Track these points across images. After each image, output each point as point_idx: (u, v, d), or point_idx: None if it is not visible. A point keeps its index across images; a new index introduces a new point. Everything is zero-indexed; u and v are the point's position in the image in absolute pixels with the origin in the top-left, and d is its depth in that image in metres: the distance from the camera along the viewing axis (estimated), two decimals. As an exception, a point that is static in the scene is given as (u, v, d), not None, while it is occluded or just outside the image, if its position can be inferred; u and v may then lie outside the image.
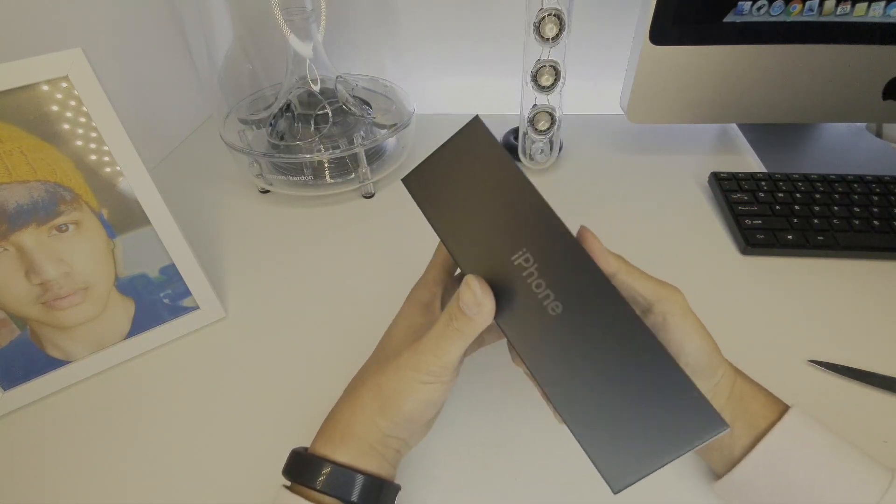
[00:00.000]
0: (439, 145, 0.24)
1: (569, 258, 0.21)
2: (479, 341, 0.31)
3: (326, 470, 0.25)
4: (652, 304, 0.25)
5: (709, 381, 0.27)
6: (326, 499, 0.24)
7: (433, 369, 0.24)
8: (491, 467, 0.32)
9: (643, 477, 0.19)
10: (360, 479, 0.25)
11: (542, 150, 0.56)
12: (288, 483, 0.26)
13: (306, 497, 0.24)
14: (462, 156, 0.24)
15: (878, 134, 0.61)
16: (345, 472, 0.25)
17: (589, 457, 0.20)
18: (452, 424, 0.34)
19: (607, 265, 0.24)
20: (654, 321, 0.25)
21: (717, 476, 0.28)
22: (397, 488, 0.27)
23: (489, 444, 0.33)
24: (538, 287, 0.21)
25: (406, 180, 0.25)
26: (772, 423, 0.26)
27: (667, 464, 0.19)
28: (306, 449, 0.27)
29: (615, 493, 0.20)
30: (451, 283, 0.30)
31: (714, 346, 0.26)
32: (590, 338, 0.21)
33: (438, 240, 0.26)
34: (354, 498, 0.24)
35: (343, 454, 0.25)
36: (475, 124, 0.24)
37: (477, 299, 0.22)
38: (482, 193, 0.23)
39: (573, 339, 0.21)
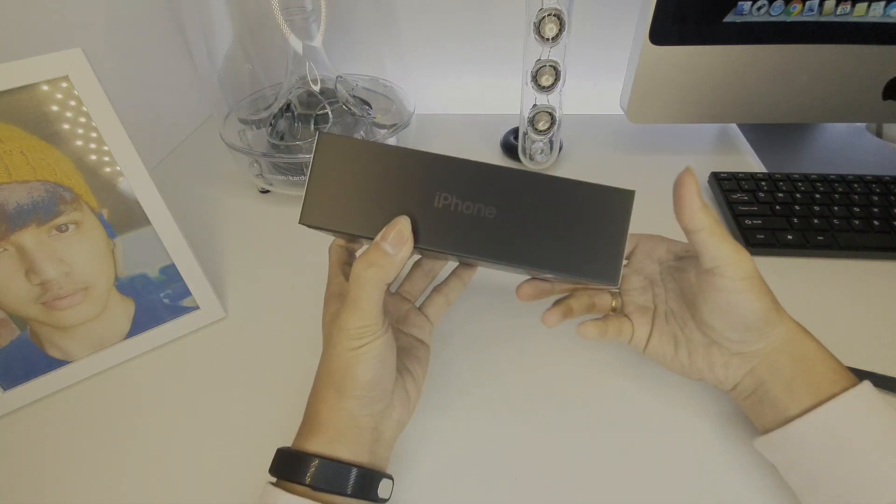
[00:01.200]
0: (308, 175, 0.26)
1: (477, 176, 0.25)
2: (446, 300, 0.34)
3: (290, 458, 0.26)
4: (722, 268, 0.26)
5: (766, 339, 0.28)
6: (297, 487, 0.25)
7: (360, 326, 0.25)
8: (491, 467, 0.32)
9: (621, 261, 0.25)
10: (316, 463, 0.25)
11: (542, 150, 0.56)
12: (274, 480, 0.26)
13: (285, 489, 0.25)
14: (333, 166, 0.26)
15: (878, 134, 0.61)
16: (299, 457, 0.25)
17: (579, 278, 0.25)
18: (452, 424, 0.34)
19: (692, 220, 0.25)
20: (719, 284, 0.26)
21: (763, 430, 0.28)
22: (378, 476, 0.27)
23: (489, 443, 0.33)
24: (468, 208, 0.25)
25: (304, 221, 0.27)
26: (842, 389, 0.26)
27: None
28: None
29: (617, 286, 0.25)
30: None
31: (769, 309, 0.27)
32: (526, 212, 0.25)
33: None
34: (307, 481, 0.24)
35: (314, 444, 0.26)
36: (323, 137, 0.26)
37: (403, 235, 0.24)
38: (374, 179, 0.26)
39: (514, 222, 0.25)
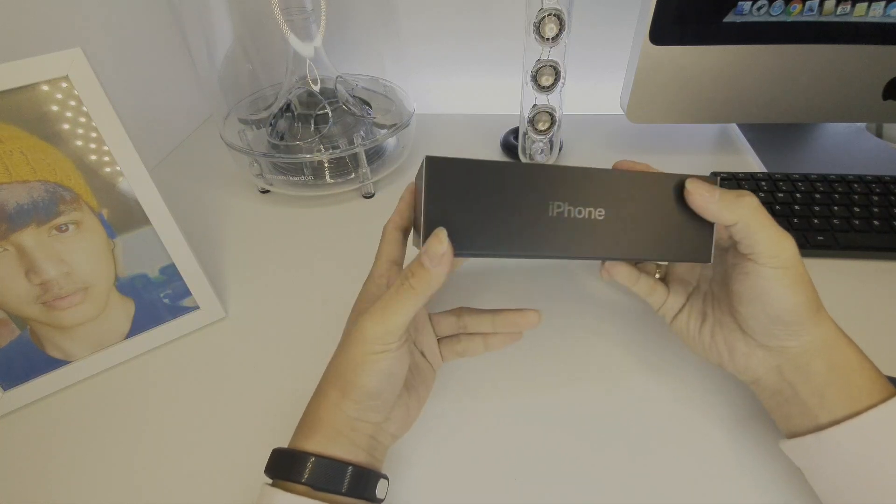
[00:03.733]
0: (422, 201, 0.25)
1: (586, 181, 0.27)
2: (463, 352, 0.33)
3: (286, 458, 0.26)
4: (757, 254, 0.26)
5: (797, 338, 0.26)
6: (298, 487, 0.25)
7: (382, 334, 0.24)
8: (490, 467, 0.32)
9: (712, 240, 0.28)
10: (312, 461, 0.25)
11: (542, 150, 0.56)
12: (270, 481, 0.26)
13: (283, 489, 0.25)
14: (444, 189, 0.25)
15: (878, 134, 0.61)
16: (296, 456, 0.25)
17: (678, 260, 0.28)
18: (451, 424, 0.34)
19: (721, 219, 0.26)
20: (750, 269, 0.26)
21: (788, 432, 0.28)
22: (374, 476, 0.27)
23: (489, 444, 0.33)
24: (580, 213, 0.27)
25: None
26: (880, 400, 0.25)
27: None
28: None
29: (710, 262, 0.28)
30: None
31: (804, 305, 0.26)
32: (631, 209, 0.27)
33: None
34: (304, 479, 0.24)
35: (312, 444, 0.26)
36: (431, 161, 0.25)
37: (443, 248, 0.23)
38: (487, 196, 0.26)
39: (622, 219, 0.27)
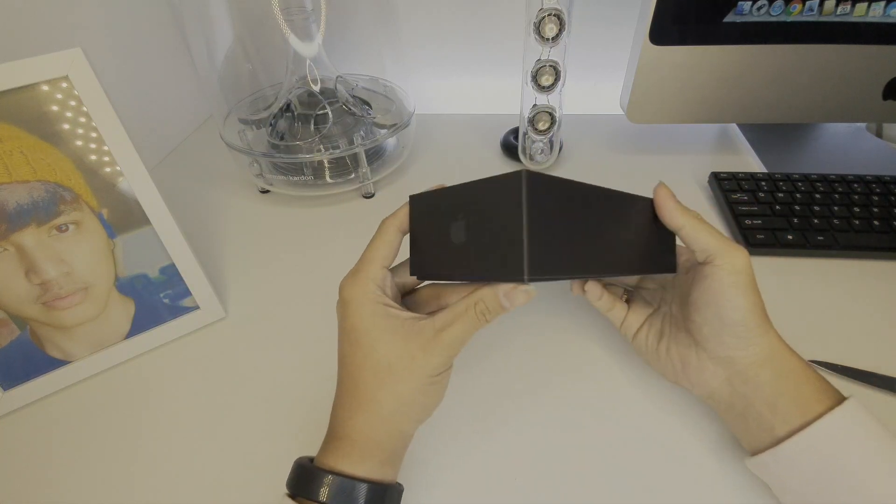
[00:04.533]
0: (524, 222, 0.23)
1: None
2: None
3: (329, 480, 0.24)
4: (712, 256, 0.28)
5: (744, 348, 0.28)
6: None
7: (443, 364, 0.25)
8: (490, 466, 0.32)
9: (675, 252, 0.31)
10: (363, 489, 0.24)
11: (542, 150, 0.56)
12: (289, 493, 0.25)
13: None
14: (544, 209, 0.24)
15: (878, 134, 0.61)
16: (314, 473, 0.24)
17: (649, 274, 0.31)
18: (450, 426, 0.34)
19: (672, 220, 0.29)
20: (707, 272, 0.28)
21: (751, 452, 0.28)
22: (402, 490, 0.27)
23: (488, 443, 0.33)
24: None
25: (532, 275, 0.23)
26: (827, 409, 0.25)
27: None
28: (311, 459, 0.26)
29: (676, 272, 0.31)
30: (391, 279, 0.29)
31: (753, 312, 0.27)
32: (614, 229, 0.27)
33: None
34: (322, 498, 0.23)
35: (366, 469, 0.25)
36: (531, 176, 0.23)
37: (529, 295, 0.25)
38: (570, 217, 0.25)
39: (609, 239, 0.27)
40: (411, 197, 0.28)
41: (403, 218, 0.29)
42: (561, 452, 0.32)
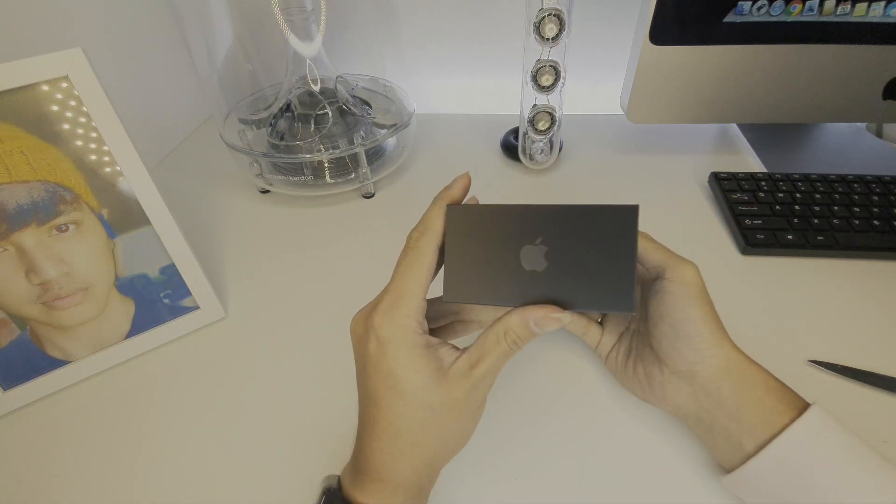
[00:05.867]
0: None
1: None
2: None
3: None
4: (661, 271, 0.28)
5: (702, 360, 0.28)
6: None
7: (486, 390, 0.25)
8: (492, 465, 0.32)
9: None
10: None
11: (542, 150, 0.56)
12: None
13: None
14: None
15: (878, 134, 0.61)
16: None
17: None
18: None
19: None
20: (658, 286, 0.28)
21: (726, 469, 0.28)
22: None
23: (489, 442, 0.33)
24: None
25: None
26: (791, 419, 0.25)
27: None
28: (339, 486, 0.25)
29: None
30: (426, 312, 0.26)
31: (706, 323, 0.27)
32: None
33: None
34: None
35: (373, 497, 0.24)
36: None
37: (561, 322, 0.24)
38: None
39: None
40: (449, 207, 0.26)
41: (440, 233, 0.26)
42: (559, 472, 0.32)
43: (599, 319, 0.36)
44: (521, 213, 0.25)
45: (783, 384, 0.27)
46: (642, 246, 0.29)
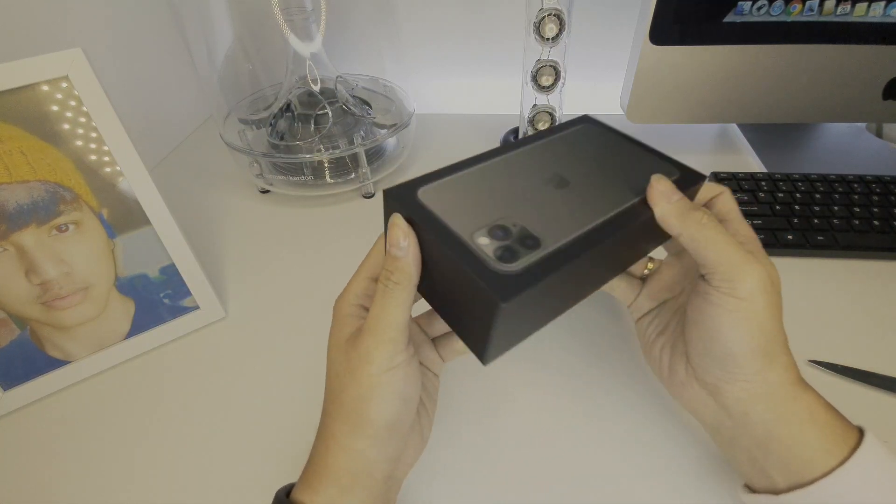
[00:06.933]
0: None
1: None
2: (461, 349, 0.29)
3: None
4: (711, 275, 0.23)
5: (730, 381, 0.24)
6: None
7: (384, 349, 0.22)
8: (480, 468, 0.32)
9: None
10: None
11: (542, 150, 0.56)
12: None
13: None
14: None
15: (878, 134, 0.61)
16: None
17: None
18: (445, 446, 0.34)
19: (668, 227, 0.23)
20: (702, 289, 0.23)
21: (743, 478, 0.26)
22: None
23: (478, 469, 0.33)
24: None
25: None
26: (838, 461, 0.22)
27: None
28: (289, 492, 0.24)
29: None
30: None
31: (753, 351, 0.23)
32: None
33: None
34: None
35: (321, 498, 0.22)
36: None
37: (402, 230, 0.22)
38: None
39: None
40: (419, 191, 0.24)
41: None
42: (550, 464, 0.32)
43: (643, 274, 0.31)
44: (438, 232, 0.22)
45: (835, 414, 0.23)
46: (691, 238, 0.23)
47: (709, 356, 0.24)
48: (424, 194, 0.24)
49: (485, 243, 0.21)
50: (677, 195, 0.24)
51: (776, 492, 0.23)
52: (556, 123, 0.54)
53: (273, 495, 0.25)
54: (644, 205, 0.24)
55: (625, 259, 0.27)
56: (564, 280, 0.22)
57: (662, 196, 0.23)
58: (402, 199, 0.23)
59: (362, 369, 0.22)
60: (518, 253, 0.21)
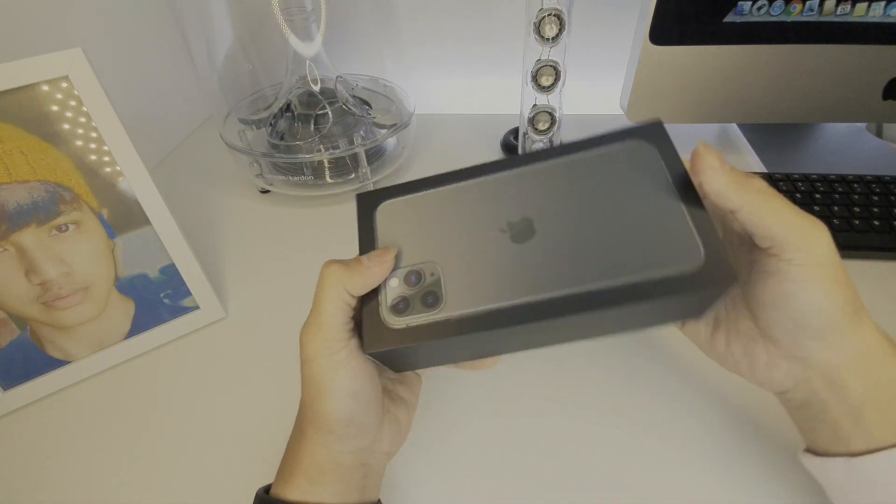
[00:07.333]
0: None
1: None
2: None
3: None
4: (779, 248, 0.21)
5: (828, 349, 0.22)
6: None
7: (319, 343, 0.22)
8: (473, 471, 0.32)
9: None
10: None
11: (542, 150, 0.56)
12: None
13: None
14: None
15: (878, 134, 0.61)
16: None
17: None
18: (438, 431, 0.34)
19: (723, 202, 0.21)
20: (773, 267, 0.21)
21: (813, 446, 0.24)
22: None
23: (479, 465, 0.33)
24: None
25: None
26: None
27: None
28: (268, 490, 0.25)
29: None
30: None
31: (842, 313, 0.21)
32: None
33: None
34: None
35: (294, 490, 0.23)
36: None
37: (385, 263, 0.22)
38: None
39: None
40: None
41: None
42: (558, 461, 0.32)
43: None
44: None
45: None
46: (750, 210, 0.20)
47: (802, 331, 0.22)
48: (383, 210, 0.24)
49: (393, 286, 0.21)
50: (727, 165, 0.21)
51: (853, 454, 0.22)
52: (556, 123, 0.54)
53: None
54: (632, 294, 0.19)
55: (587, 334, 0.23)
56: (451, 346, 0.21)
57: (713, 170, 0.20)
58: (363, 208, 0.24)
59: (307, 369, 0.23)
60: (411, 308, 0.20)
